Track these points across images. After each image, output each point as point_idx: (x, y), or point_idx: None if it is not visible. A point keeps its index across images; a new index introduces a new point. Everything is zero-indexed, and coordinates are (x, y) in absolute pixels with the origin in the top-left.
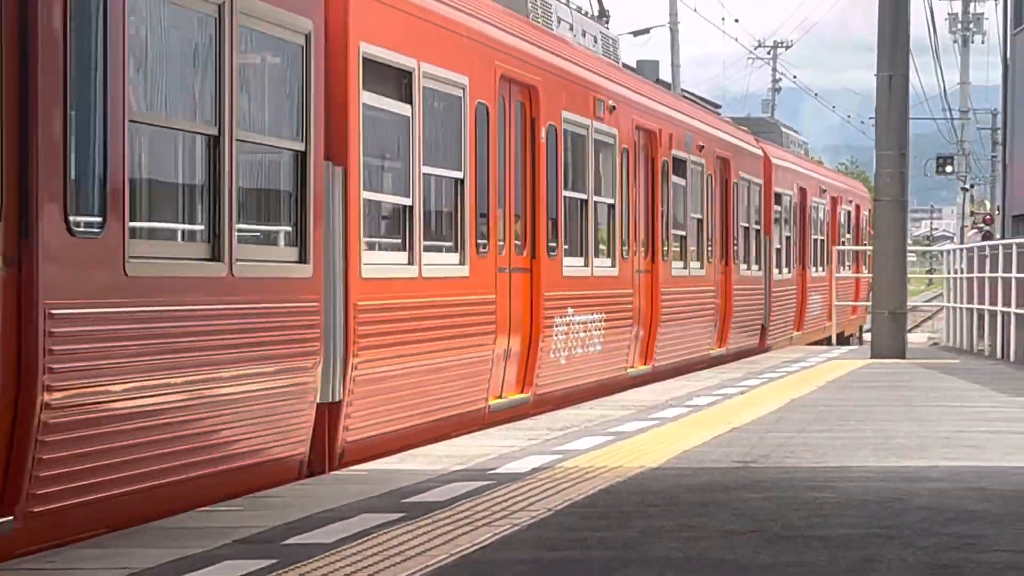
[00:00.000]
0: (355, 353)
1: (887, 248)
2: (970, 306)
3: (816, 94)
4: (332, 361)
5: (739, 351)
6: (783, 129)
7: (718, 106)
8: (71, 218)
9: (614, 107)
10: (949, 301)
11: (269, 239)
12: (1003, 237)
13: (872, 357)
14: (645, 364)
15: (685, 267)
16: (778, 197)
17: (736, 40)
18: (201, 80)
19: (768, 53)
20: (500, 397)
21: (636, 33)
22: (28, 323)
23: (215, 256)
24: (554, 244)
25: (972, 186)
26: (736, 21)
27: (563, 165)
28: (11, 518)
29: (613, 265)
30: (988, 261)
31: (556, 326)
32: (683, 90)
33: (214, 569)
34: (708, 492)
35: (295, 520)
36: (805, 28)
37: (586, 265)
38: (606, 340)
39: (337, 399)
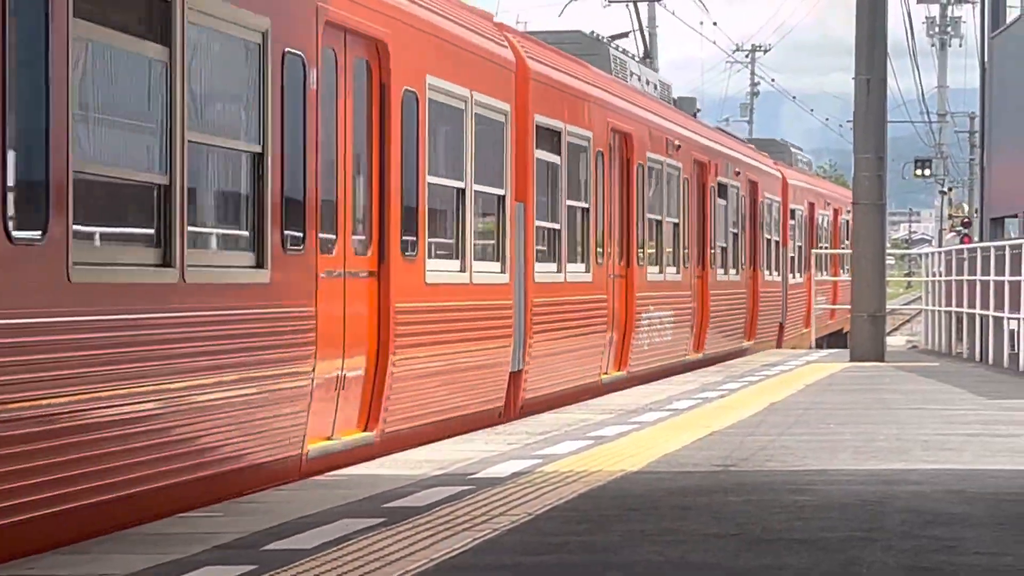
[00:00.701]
0: (531, 335)
1: (866, 251)
2: (949, 309)
3: (795, 97)
4: (518, 342)
5: (766, 344)
6: (792, 149)
7: (697, 109)
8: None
9: (679, 146)
10: (928, 304)
11: (487, 255)
12: (981, 240)
13: (851, 360)
14: (697, 352)
15: (726, 273)
16: (792, 212)
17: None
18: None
19: (746, 57)
20: (607, 373)
21: (615, 37)
22: None
23: (462, 269)
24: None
25: (950, 189)
26: (715, 24)
27: (649, 195)
28: None
29: (677, 273)
30: (966, 264)
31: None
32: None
33: (195, 575)
34: (688, 496)
35: (275, 525)
36: (783, 32)
37: (660, 272)
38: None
39: (519, 368)
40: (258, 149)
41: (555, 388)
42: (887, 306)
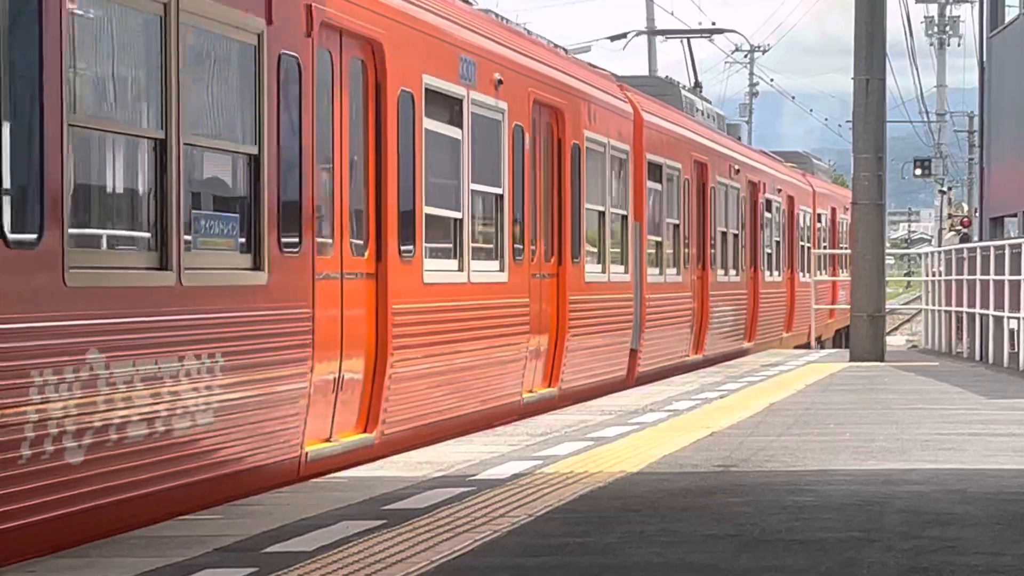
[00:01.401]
0: (646, 320)
1: (865, 251)
2: (948, 308)
3: (794, 97)
4: (636, 326)
5: (801, 335)
6: (814, 160)
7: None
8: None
9: (738, 170)
10: (927, 304)
11: (622, 261)
12: (980, 239)
13: (851, 360)
14: (749, 341)
15: (771, 275)
16: (818, 217)
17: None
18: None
19: (745, 57)
20: (695, 354)
21: (613, 38)
22: None
23: (603, 271)
24: (713, 263)
25: (949, 188)
26: (713, 24)
27: (719, 212)
28: None
29: (737, 275)
30: (966, 263)
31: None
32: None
33: None
34: (688, 497)
35: (275, 528)
36: (782, 32)
37: (726, 274)
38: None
39: (636, 347)
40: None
41: (660, 364)
42: (887, 306)
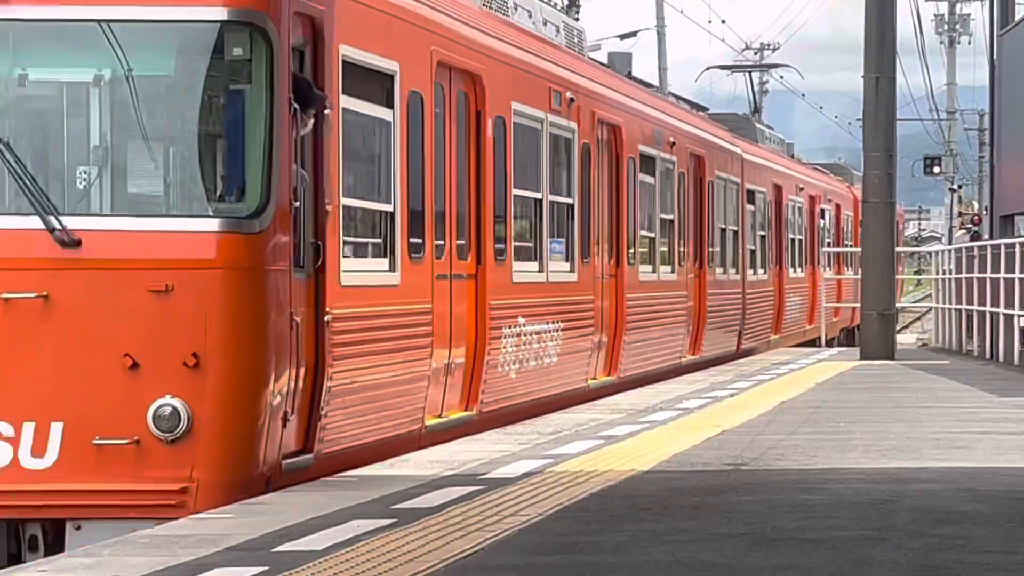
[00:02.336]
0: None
1: (875, 249)
2: (959, 307)
3: (803, 95)
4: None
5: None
6: (852, 170)
7: (704, 108)
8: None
9: (803, 188)
10: (938, 302)
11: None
12: (991, 237)
13: (861, 358)
14: (811, 324)
15: (796, 271)
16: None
17: (723, 41)
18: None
19: (755, 55)
20: (774, 335)
21: (623, 36)
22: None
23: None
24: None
25: (960, 187)
26: (723, 22)
27: (791, 224)
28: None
29: (799, 271)
30: (976, 261)
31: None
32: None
33: None
34: (698, 495)
35: (286, 527)
36: (792, 30)
37: (793, 271)
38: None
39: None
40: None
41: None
42: (897, 304)
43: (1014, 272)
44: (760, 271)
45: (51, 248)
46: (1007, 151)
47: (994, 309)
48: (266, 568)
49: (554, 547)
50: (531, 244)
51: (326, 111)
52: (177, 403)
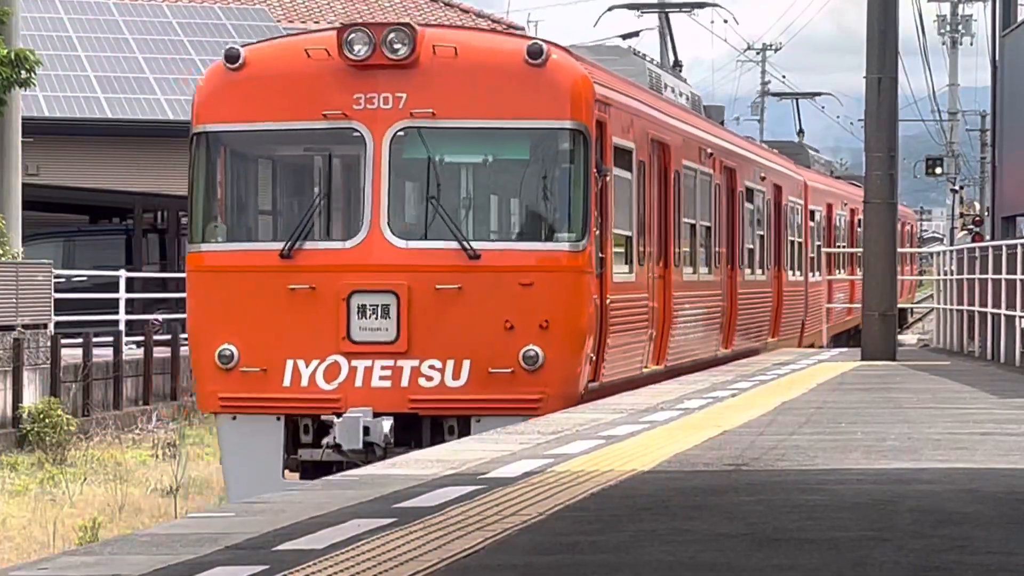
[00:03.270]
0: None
1: (877, 250)
2: (960, 307)
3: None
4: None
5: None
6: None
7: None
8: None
9: (847, 203)
10: (939, 302)
11: (794, 269)
12: (993, 238)
13: (862, 359)
14: (850, 316)
15: (840, 273)
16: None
17: (726, 41)
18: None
19: (757, 55)
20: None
21: (626, 36)
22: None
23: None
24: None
25: (962, 187)
26: (725, 22)
27: (839, 233)
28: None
29: (842, 272)
30: (978, 262)
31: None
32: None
33: (205, 575)
34: (699, 495)
35: (286, 526)
36: (793, 31)
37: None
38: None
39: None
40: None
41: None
42: (909, 304)
43: (1015, 273)
44: (814, 274)
45: (464, 260)
46: (1009, 152)
47: (995, 310)
48: (266, 567)
49: (555, 547)
50: (689, 254)
51: (608, 177)
52: (536, 349)
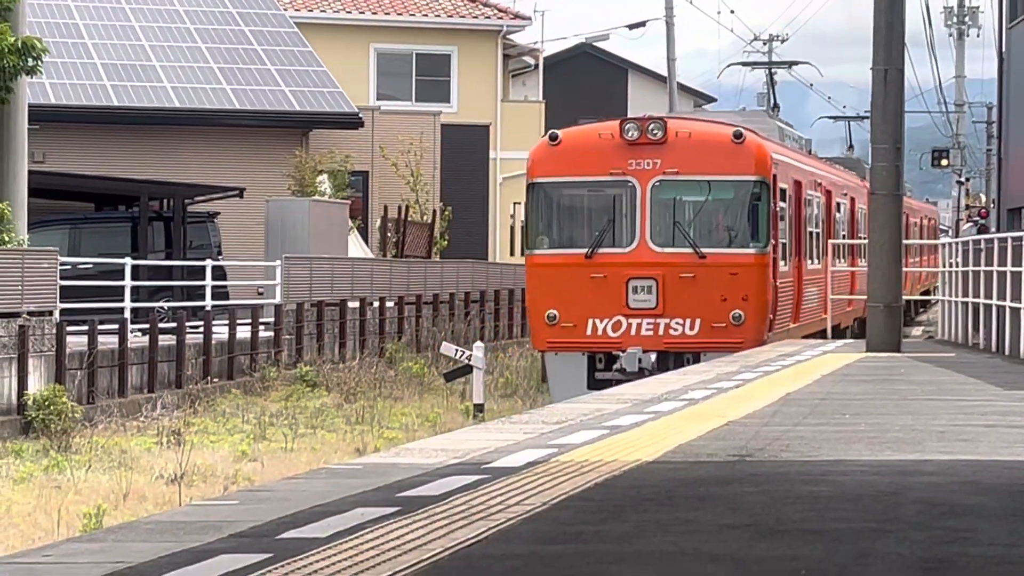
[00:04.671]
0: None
1: (882, 241)
2: (965, 299)
3: (811, 85)
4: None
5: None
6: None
7: (713, 99)
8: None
9: (916, 213)
10: (944, 295)
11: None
12: (998, 230)
13: (867, 351)
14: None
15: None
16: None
17: (732, 31)
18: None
19: (764, 46)
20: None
21: (632, 26)
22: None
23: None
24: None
25: (967, 179)
26: (732, 12)
27: (911, 235)
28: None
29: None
30: (983, 254)
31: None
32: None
33: (210, 563)
34: (703, 486)
35: (290, 514)
36: (800, 22)
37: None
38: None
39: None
40: (816, 229)
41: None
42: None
43: (1021, 265)
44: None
45: (696, 259)
46: (1015, 144)
47: (1000, 302)
48: (270, 555)
49: (558, 536)
50: (809, 252)
51: (781, 206)
52: (740, 312)
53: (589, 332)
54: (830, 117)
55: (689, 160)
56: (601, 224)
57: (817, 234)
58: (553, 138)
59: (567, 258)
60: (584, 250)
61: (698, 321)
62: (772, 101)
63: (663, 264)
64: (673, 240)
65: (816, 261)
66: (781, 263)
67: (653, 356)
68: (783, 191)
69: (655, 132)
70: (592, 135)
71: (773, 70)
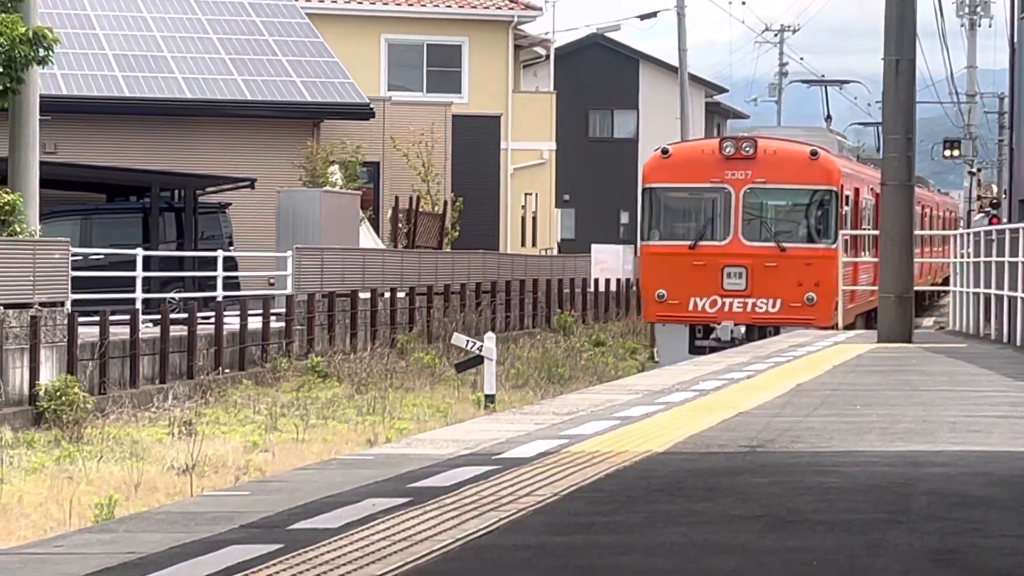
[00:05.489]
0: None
1: (894, 232)
2: (977, 290)
3: (823, 75)
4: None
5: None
6: (929, 181)
7: (725, 90)
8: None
9: (931, 211)
10: (956, 285)
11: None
12: (1010, 221)
13: (879, 341)
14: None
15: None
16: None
17: (743, 23)
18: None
19: (775, 37)
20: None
21: (643, 17)
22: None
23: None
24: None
25: (979, 170)
26: (743, 3)
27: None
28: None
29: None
30: (995, 245)
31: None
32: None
33: (221, 554)
34: (714, 477)
35: (301, 505)
36: (811, 13)
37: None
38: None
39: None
40: (868, 227)
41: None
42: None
43: None
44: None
45: (778, 252)
46: None
47: (1012, 293)
48: (281, 545)
49: (568, 527)
50: (863, 245)
51: (845, 209)
52: (813, 295)
53: (691, 308)
54: (861, 123)
55: (774, 172)
56: (702, 222)
57: (869, 230)
58: (664, 152)
59: (674, 248)
60: (688, 242)
61: (779, 301)
62: (826, 113)
63: (751, 255)
64: (760, 236)
65: (867, 253)
66: (843, 255)
67: (743, 328)
68: (847, 197)
69: (747, 149)
70: (696, 150)
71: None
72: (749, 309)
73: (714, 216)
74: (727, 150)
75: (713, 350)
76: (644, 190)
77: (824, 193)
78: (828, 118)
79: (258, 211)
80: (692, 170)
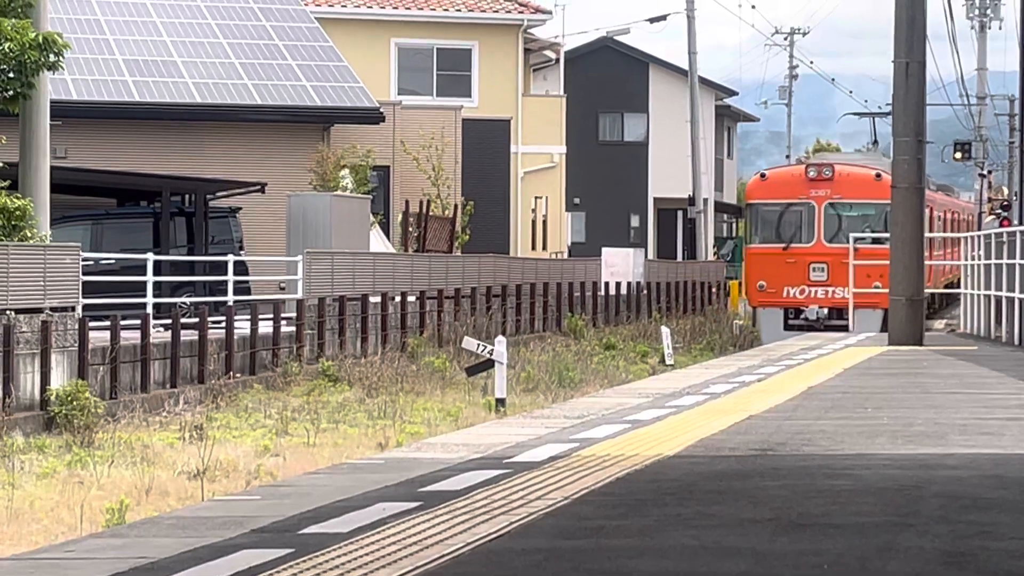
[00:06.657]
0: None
1: (904, 235)
2: (988, 292)
3: (833, 79)
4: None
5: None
6: (955, 188)
7: (735, 93)
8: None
9: (956, 215)
10: (967, 287)
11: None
12: (1021, 223)
13: (889, 344)
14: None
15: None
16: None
17: (753, 26)
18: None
19: (785, 39)
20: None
21: (653, 20)
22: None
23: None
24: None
25: (990, 172)
26: (753, 7)
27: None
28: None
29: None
30: (1006, 247)
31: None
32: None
33: (231, 559)
34: (724, 480)
35: (312, 509)
36: (821, 16)
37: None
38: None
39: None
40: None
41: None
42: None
43: None
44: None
45: (851, 252)
46: None
47: (1023, 295)
48: (292, 550)
49: (579, 531)
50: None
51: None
52: (878, 284)
53: (784, 295)
54: (855, 113)
55: (848, 190)
56: (792, 229)
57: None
58: (763, 176)
59: (771, 250)
60: (782, 245)
61: (852, 290)
62: (873, 138)
63: (831, 254)
64: (837, 239)
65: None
66: None
67: (825, 310)
68: None
69: (827, 172)
70: (787, 174)
71: (795, 68)
72: (829, 296)
73: (801, 224)
74: (811, 173)
75: (802, 328)
76: (747, 205)
77: (886, 206)
78: (875, 143)
79: (268, 215)
80: (784, 189)
